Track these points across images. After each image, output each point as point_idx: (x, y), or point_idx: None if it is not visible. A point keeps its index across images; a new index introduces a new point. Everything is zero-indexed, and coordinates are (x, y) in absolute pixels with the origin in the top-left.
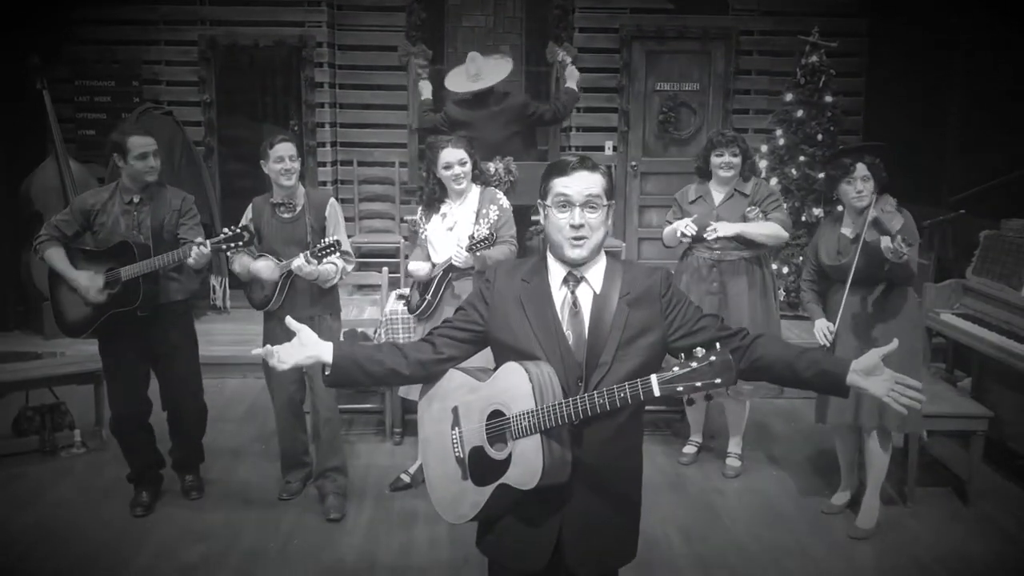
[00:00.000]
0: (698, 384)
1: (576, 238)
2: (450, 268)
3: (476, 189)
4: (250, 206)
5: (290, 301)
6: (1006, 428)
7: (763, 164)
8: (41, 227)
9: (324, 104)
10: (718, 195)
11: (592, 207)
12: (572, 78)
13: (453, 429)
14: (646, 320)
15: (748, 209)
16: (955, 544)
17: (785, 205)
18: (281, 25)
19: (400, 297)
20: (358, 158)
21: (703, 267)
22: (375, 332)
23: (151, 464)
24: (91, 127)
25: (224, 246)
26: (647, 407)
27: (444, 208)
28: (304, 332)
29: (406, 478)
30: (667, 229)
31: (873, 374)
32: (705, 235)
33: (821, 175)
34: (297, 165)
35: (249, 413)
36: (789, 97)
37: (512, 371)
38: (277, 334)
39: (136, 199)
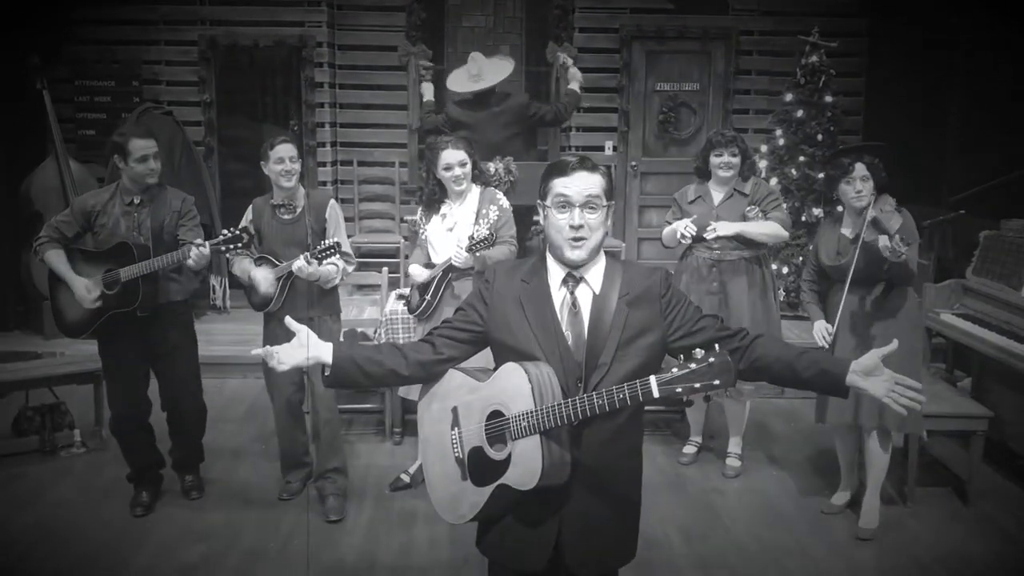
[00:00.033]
0: (697, 385)
1: (575, 239)
2: (450, 268)
3: (476, 189)
4: (250, 207)
5: (290, 302)
6: (1006, 428)
7: (763, 164)
8: (41, 227)
9: (324, 104)
10: (717, 195)
11: (592, 208)
12: (574, 80)
13: (453, 429)
14: (645, 320)
15: (748, 208)
16: (955, 544)
17: (785, 204)
18: (281, 25)
19: (400, 297)
20: (358, 158)
21: (703, 267)
22: (375, 332)
23: (151, 464)
24: (91, 127)
25: (223, 247)
26: (647, 407)
27: (444, 208)
28: (304, 333)
29: (406, 478)
30: (666, 230)
31: (873, 374)
32: (705, 234)
33: (821, 175)
34: (297, 166)
35: (249, 413)
36: (789, 97)
37: (511, 372)
38: (277, 335)
39: (136, 200)
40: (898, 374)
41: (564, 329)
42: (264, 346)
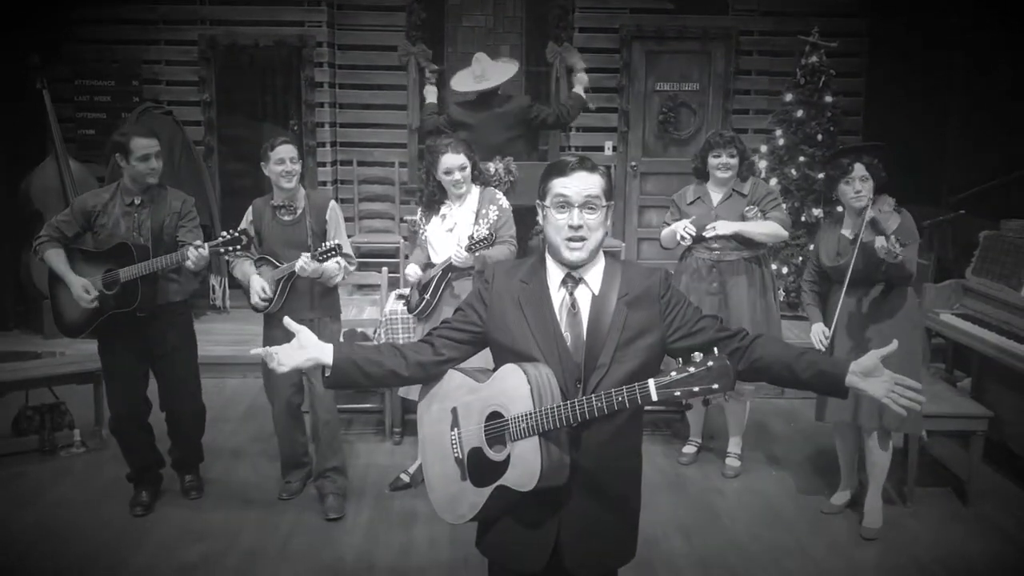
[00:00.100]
0: (695, 389)
1: (574, 239)
2: (450, 268)
3: (476, 189)
4: (250, 208)
5: (290, 303)
6: (1006, 428)
7: (763, 164)
8: (41, 227)
9: (324, 104)
10: (716, 196)
11: (591, 208)
12: (580, 83)
13: (452, 430)
14: (645, 321)
15: (747, 208)
16: (955, 544)
17: (784, 204)
18: (281, 25)
19: (400, 297)
20: (358, 158)
21: (702, 268)
22: (375, 332)
23: (151, 464)
24: (91, 127)
25: (222, 249)
26: (646, 408)
27: (444, 209)
28: (304, 333)
29: (406, 478)
30: (665, 231)
31: (872, 375)
32: (704, 233)
33: (821, 175)
34: (298, 167)
35: (249, 413)
36: (789, 97)
37: (511, 373)
38: (277, 336)
39: (137, 201)
40: (898, 374)
41: (563, 330)
42: (264, 347)
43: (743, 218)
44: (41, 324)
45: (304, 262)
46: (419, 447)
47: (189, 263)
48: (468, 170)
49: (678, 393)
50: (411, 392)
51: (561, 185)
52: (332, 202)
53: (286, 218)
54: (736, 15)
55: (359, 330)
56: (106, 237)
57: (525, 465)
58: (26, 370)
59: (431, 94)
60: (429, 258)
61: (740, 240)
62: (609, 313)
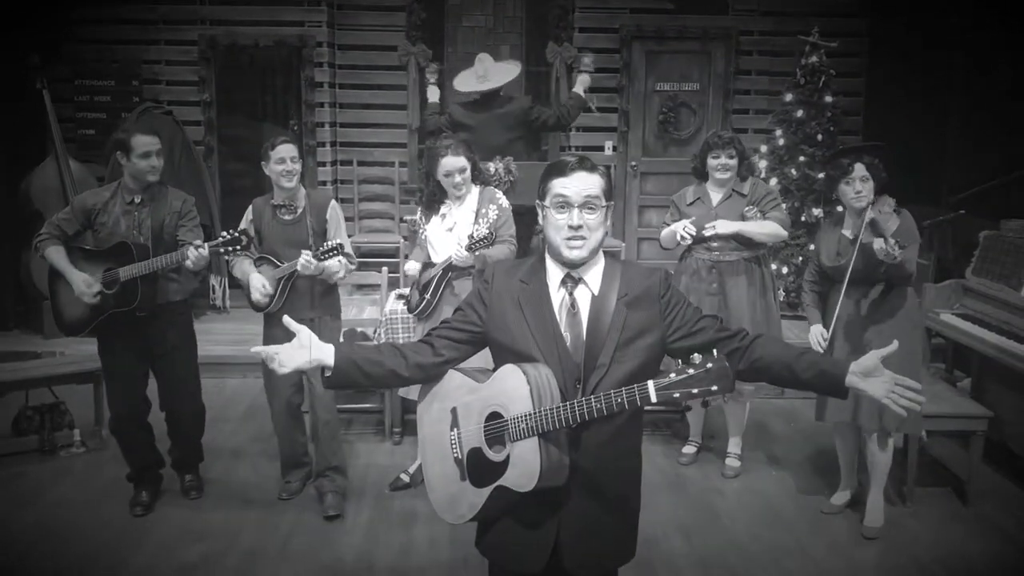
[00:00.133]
0: (695, 391)
1: (574, 239)
2: (450, 267)
3: (476, 189)
4: (250, 207)
5: (290, 302)
6: (1006, 428)
7: (763, 164)
8: (42, 226)
9: (324, 104)
10: (716, 196)
11: (590, 208)
12: (581, 84)
13: (452, 430)
14: (644, 321)
15: (746, 209)
16: (955, 544)
17: (783, 204)
18: (281, 25)
19: (400, 297)
20: (358, 158)
21: (702, 268)
22: (375, 332)
23: (150, 464)
24: (91, 127)
25: (222, 249)
26: (646, 408)
27: (444, 209)
28: (304, 333)
29: (405, 478)
30: (665, 231)
31: (872, 375)
32: (704, 231)
33: (821, 175)
34: (298, 167)
35: (249, 413)
36: (789, 97)
37: (510, 373)
38: (277, 336)
39: (137, 199)
40: (898, 375)
41: (563, 330)
42: (264, 346)
43: (743, 218)
44: (41, 324)
45: (306, 260)
46: (419, 447)
47: (189, 263)
48: (468, 172)
49: (677, 395)
50: (411, 392)
51: (561, 185)
52: (332, 201)
53: (286, 217)
54: (736, 15)
55: (359, 330)
56: (106, 236)
57: (524, 465)
58: (26, 370)
59: (434, 94)
60: (429, 257)
61: (740, 240)
62: (609, 313)
